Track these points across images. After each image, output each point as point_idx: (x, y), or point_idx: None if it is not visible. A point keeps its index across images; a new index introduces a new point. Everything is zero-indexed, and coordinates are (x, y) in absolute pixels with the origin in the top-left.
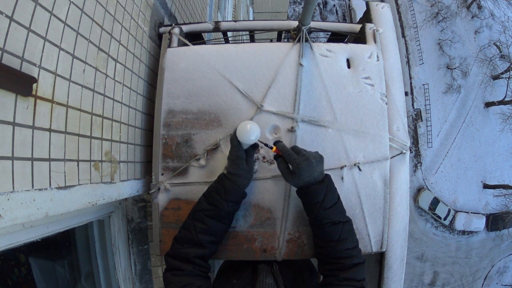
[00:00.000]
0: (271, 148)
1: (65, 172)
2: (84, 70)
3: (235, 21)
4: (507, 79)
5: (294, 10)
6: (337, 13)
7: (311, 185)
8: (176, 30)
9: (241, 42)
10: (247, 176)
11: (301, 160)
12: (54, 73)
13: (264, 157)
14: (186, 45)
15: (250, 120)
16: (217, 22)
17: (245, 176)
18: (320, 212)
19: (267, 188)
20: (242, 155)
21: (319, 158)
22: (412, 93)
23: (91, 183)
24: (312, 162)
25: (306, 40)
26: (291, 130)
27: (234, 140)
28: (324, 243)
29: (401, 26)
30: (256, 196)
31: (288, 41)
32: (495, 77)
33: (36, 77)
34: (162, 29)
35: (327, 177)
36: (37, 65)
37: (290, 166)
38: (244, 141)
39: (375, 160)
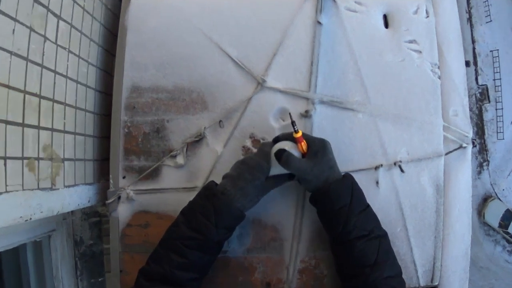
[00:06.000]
0: (297, 132)
1: None
2: (13, 30)
3: None
4: None
5: None
6: None
7: (332, 182)
8: None
9: None
10: (254, 197)
11: (321, 140)
12: None
13: (248, 149)
14: None
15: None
16: None
17: (251, 196)
18: (350, 219)
19: (272, 196)
20: (265, 169)
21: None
22: (475, 63)
23: (23, 189)
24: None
25: None
26: (305, 115)
27: (267, 146)
28: (354, 271)
29: None
30: (255, 208)
31: None
32: None
33: None
34: None
35: (348, 174)
36: None
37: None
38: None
39: (424, 158)
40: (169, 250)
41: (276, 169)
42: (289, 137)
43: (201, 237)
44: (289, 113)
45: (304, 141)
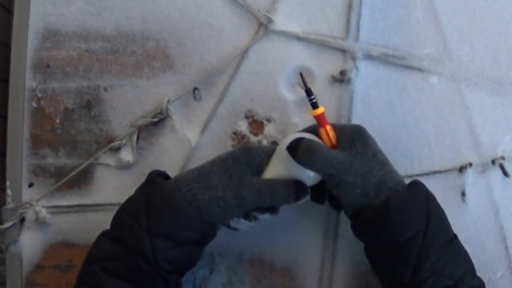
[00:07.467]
0: (314, 106)
1: None
2: None
3: None
4: None
5: None
6: None
7: (395, 192)
8: None
9: None
10: (218, 192)
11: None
12: None
13: (243, 137)
14: None
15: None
16: None
17: (214, 188)
18: (425, 258)
19: (282, 217)
20: (253, 150)
21: None
22: None
23: None
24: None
25: None
26: (341, 78)
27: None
28: None
29: None
30: (255, 240)
31: None
32: None
33: None
34: None
35: (418, 182)
36: None
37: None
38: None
39: None
40: (83, 283)
41: (278, 167)
42: (308, 131)
43: (126, 252)
44: (300, 73)
45: (330, 125)
